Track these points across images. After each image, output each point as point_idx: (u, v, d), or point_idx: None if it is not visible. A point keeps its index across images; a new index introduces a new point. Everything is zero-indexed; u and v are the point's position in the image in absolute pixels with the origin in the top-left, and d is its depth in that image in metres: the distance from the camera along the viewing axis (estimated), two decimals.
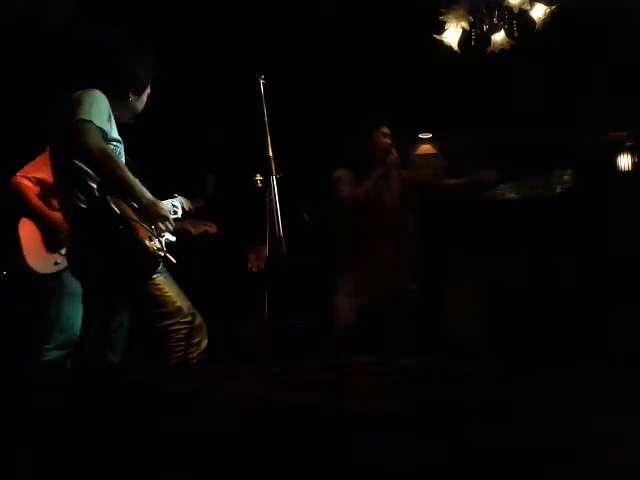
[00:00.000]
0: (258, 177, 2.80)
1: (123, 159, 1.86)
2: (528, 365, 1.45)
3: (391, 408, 0.96)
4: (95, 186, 1.70)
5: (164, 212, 1.85)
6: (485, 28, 2.90)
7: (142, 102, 1.99)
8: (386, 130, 2.88)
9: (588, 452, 0.73)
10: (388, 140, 2.85)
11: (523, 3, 2.77)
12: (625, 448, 0.75)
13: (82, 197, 1.72)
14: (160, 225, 1.85)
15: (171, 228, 1.90)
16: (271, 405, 1.02)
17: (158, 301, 1.80)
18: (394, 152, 2.81)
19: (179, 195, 2.16)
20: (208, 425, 0.90)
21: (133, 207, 1.77)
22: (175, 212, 2.06)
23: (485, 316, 3.31)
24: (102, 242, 1.70)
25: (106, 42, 1.92)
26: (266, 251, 2.75)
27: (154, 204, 1.80)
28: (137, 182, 1.76)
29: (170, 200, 2.08)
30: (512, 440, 0.76)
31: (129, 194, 1.73)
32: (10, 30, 3.29)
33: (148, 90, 2.01)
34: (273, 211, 2.50)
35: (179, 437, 0.83)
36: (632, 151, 4.82)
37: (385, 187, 2.82)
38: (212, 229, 2.54)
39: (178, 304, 1.83)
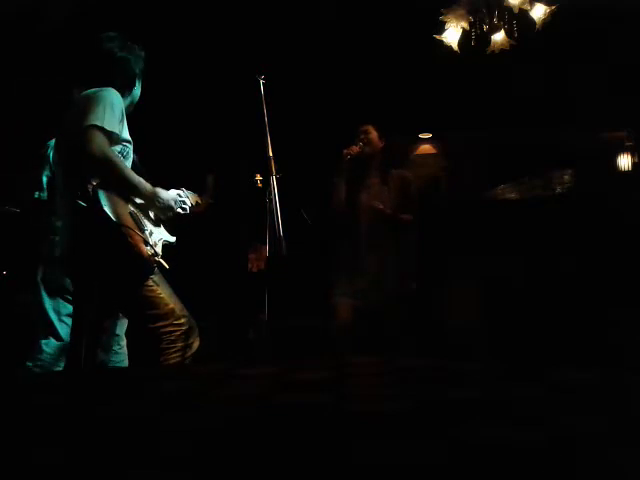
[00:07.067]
0: (258, 177, 2.80)
1: (131, 159, 1.87)
2: (528, 365, 1.45)
3: (391, 408, 0.96)
4: (92, 189, 1.71)
5: (168, 203, 1.91)
6: (485, 28, 2.90)
7: (139, 89, 2.02)
8: (363, 128, 2.85)
9: (588, 452, 0.73)
10: (360, 139, 2.82)
11: (523, 3, 2.78)
12: (625, 448, 0.75)
13: (83, 199, 1.72)
14: (164, 216, 1.90)
15: (171, 215, 1.94)
16: (271, 405, 1.02)
17: (151, 303, 1.80)
18: (350, 152, 2.78)
19: (186, 190, 2.16)
20: (208, 425, 0.90)
21: (136, 207, 1.79)
22: (183, 205, 2.06)
23: (485, 316, 3.31)
24: (96, 246, 1.71)
25: (105, 40, 1.92)
26: (266, 251, 2.75)
27: (157, 197, 1.87)
28: (141, 181, 1.81)
29: (177, 192, 2.08)
30: (512, 440, 0.76)
31: (133, 194, 1.79)
32: (10, 33, 3.29)
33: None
34: (273, 211, 2.50)
35: (179, 437, 0.83)
36: (632, 151, 4.83)
37: (359, 190, 2.81)
38: (206, 200, 2.55)
39: (171, 306, 1.83)
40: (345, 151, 2.79)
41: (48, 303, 2.36)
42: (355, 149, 2.79)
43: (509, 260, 3.34)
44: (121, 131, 1.78)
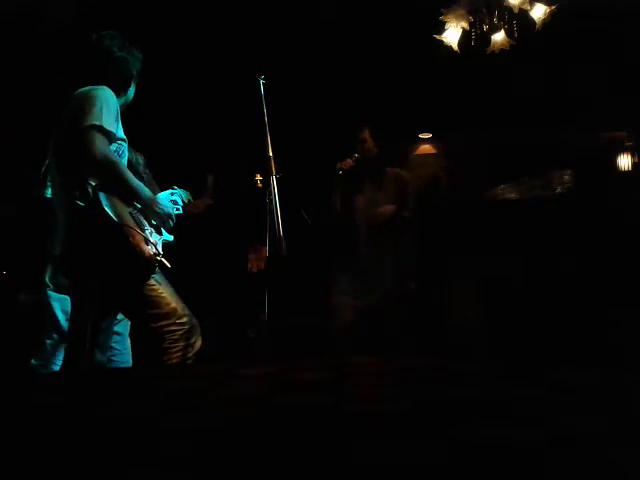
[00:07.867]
0: (258, 177, 2.80)
1: (127, 157, 1.87)
2: (528, 365, 1.45)
3: (391, 408, 0.96)
4: (92, 189, 1.71)
5: (167, 210, 1.90)
6: (485, 28, 2.90)
7: (133, 90, 2.02)
8: (360, 138, 2.86)
9: (588, 452, 0.73)
10: (358, 150, 2.84)
11: (523, 3, 2.78)
12: (625, 448, 0.75)
13: (81, 198, 1.72)
14: (163, 222, 1.88)
15: (172, 224, 1.93)
16: (271, 405, 1.02)
17: (153, 302, 1.80)
18: (347, 161, 2.79)
19: (178, 188, 2.16)
20: (208, 425, 0.90)
21: (135, 207, 1.79)
22: (177, 207, 2.06)
23: (485, 316, 3.31)
24: (98, 246, 1.70)
25: (105, 38, 1.92)
26: (266, 251, 2.75)
27: (156, 202, 1.85)
28: (139, 184, 1.80)
29: (169, 195, 2.08)
30: (512, 440, 0.76)
31: (132, 197, 1.78)
32: (10, 33, 3.29)
33: None
34: (273, 211, 2.50)
35: (179, 437, 0.83)
36: (632, 151, 4.83)
37: (356, 194, 2.82)
38: (209, 199, 2.56)
39: (173, 305, 1.83)
40: (338, 165, 2.79)
41: (56, 302, 2.36)
42: (348, 163, 2.79)
43: (509, 260, 3.34)
44: (117, 129, 1.78)
